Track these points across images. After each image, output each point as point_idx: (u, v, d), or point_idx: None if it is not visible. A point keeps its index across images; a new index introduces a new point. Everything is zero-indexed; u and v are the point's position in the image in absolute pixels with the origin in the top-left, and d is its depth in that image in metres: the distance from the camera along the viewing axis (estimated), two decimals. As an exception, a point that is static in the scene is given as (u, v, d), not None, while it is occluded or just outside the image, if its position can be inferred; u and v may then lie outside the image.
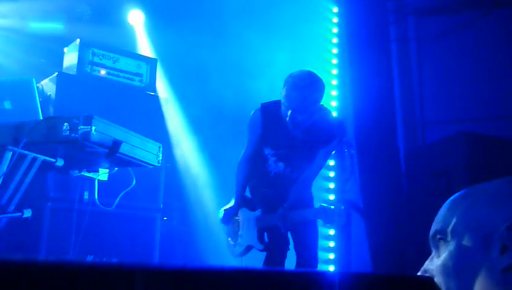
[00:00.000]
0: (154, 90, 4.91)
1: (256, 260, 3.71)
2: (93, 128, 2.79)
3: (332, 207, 3.23)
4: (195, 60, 5.57)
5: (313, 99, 3.42)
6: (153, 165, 3.33)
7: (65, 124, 2.80)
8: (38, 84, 3.84)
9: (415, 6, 5.38)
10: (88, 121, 2.79)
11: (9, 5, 5.39)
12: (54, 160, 3.11)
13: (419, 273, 1.04)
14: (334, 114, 5.16)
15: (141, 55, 5.11)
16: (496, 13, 5.07)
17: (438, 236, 1.04)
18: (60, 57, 4.79)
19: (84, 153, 3.02)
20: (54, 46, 5.19)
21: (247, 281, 0.62)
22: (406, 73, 5.36)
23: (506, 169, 3.97)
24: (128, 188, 3.58)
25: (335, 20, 5.50)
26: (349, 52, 5.28)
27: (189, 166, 5.57)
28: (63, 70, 4.61)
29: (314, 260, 3.57)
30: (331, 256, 4.99)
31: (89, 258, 3.87)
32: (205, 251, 5.23)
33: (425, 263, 1.07)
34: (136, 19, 5.77)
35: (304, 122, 3.45)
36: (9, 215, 3.09)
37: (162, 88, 5.49)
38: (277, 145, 3.57)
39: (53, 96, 4.29)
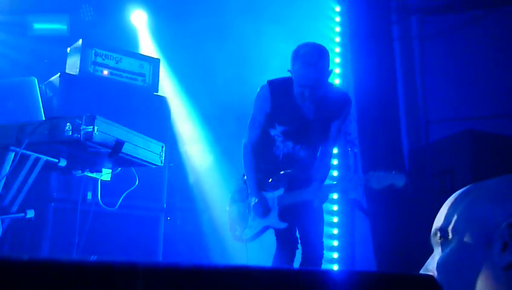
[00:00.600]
0: (157, 90, 4.91)
1: (257, 249, 3.68)
2: (96, 128, 2.79)
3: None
4: (199, 58, 5.58)
5: (327, 72, 3.38)
6: (156, 165, 3.33)
7: (67, 124, 2.80)
8: (40, 85, 3.83)
9: (418, 5, 5.37)
10: (90, 121, 2.79)
11: (13, 4, 5.40)
12: (57, 160, 3.11)
13: (421, 272, 1.04)
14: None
15: (144, 55, 5.11)
16: (499, 11, 5.06)
17: (439, 234, 1.03)
18: (63, 57, 4.80)
19: (86, 153, 3.02)
20: (56, 47, 5.20)
21: (251, 279, 0.62)
22: (409, 71, 5.36)
23: (510, 167, 3.96)
24: (131, 188, 3.57)
25: (338, 19, 5.50)
26: (351, 51, 5.27)
27: (195, 165, 5.57)
28: (66, 71, 4.62)
29: (321, 239, 3.57)
30: (335, 255, 4.98)
31: (93, 259, 3.87)
32: (209, 251, 5.23)
33: (427, 262, 1.06)
34: (139, 19, 5.78)
35: (318, 96, 3.40)
36: (13, 215, 3.09)
37: (166, 88, 5.50)
38: (286, 121, 3.49)
39: (56, 96, 4.30)
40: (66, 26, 5.37)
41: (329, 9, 5.52)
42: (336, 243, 5.00)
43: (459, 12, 5.18)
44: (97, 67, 4.60)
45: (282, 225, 3.48)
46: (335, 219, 5.07)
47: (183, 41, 5.65)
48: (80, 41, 4.59)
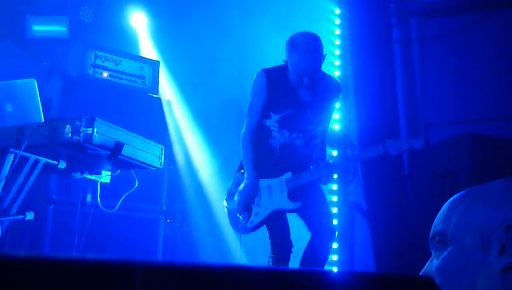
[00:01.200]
0: (157, 92, 4.91)
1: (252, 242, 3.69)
2: (95, 130, 2.79)
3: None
4: (199, 60, 5.58)
5: (322, 59, 3.46)
6: (155, 167, 3.32)
7: (67, 126, 2.80)
8: (40, 87, 3.83)
9: (418, 7, 5.37)
10: (90, 123, 2.79)
11: (12, 6, 5.40)
12: (56, 162, 3.11)
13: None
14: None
15: (144, 57, 5.12)
16: (498, 14, 5.06)
17: (437, 238, 1.03)
18: (63, 59, 4.80)
19: (86, 155, 3.02)
20: (56, 49, 5.20)
21: (249, 279, 0.62)
22: (409, 74, 5.36)
23: (510, 170, 3.96)
24: (131, 190, 3.57)
25: (337, 21, 5.50)
26: (351, 54, 5.28)
27: (194, 167, 5.57)
28: (66, 73, 4.62)
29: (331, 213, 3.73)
30: (334, 258, 4.98)
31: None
32: (208, 253, 5.22)
33: (426, 265, 1.06)
34: (138, 21, 5.78)
35: (315, 82, 3.46)
36: (12, 217, 3.09)
37: (165, 90, 5.50)
38: (282, 106, 3.53)
39: (55, 98, 4.30)
40: (65, 28, 5.36)
41: (329, 11, 5.52)
42: (335, 245, 5.00)
43: (459, 15, 5.19)
44: (97, 69, 4.61)
45: (295, 205, 3.51)
46: (334, 221, 5.06)
47: (183, 43, 5.65)
48: (80, 43, 4.60)
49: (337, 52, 5.41)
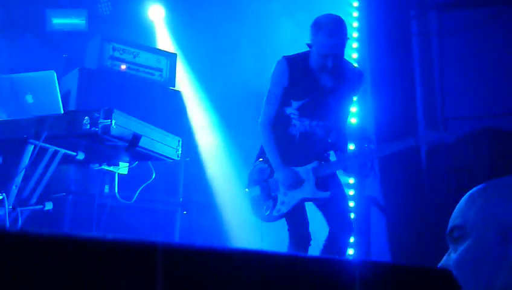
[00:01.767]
0: (174, 84, 4.93)
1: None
2: (113, 122, 2.81)
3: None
4: (216, 53, 5.58)
5: (347, 41, 3.47)
6: (172, 159, 3.34)
7: (85, 117, 2.82)
8: (59, 79, 3.87)
9: (437, 0, 5.32)
10: (108, 115, 2.80)
11: (35, 0, 5.46)
12: (75, 153, 3.14)
13: (437, 268, 1.03)
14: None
15: (161, 49, 5.13)
16: (519, 7, 4.99)
17: (456, 231, 1.03)
18: (81, 51, 4.83)
19: (104, 146, 3.04)
20: (75, 41, 5.24)
21: (267, 263, 0.63)
22: (428, 68, 5.31)
23: (529, 165, 3.92)
24: (148, 182, 3.59)
25: (355, 14, 5.46)
26: (369, 46, 5.24)
27: (212, 159, 5.58)
28: (84, 65, 4.66)
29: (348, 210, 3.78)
30: (351, 251, 4.97)
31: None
32: (225, 244, 5.24)
33: (443, 259, 1.06)
34: (156, 13, 5.80)
35: (338, 66, 3.45)
36: (31, 207, 3.13)
37: (183, 82, 5.52)
38: (303, 93, 3.51)
39: (74, 90, 4.34)
40: (84, 21, 5.41)
41: (347, 4, 5.49)
42: (351, 239, 4.98)
43: (478, 8, 5.12)
44: (115, 61, 4.64)
45: (324, 195, 3.51)
46: (351, 215, 5.05)
47: (200, 36, 5.66)
48: (98, 36, 4.63)
49: (355, 45, 5.38)
